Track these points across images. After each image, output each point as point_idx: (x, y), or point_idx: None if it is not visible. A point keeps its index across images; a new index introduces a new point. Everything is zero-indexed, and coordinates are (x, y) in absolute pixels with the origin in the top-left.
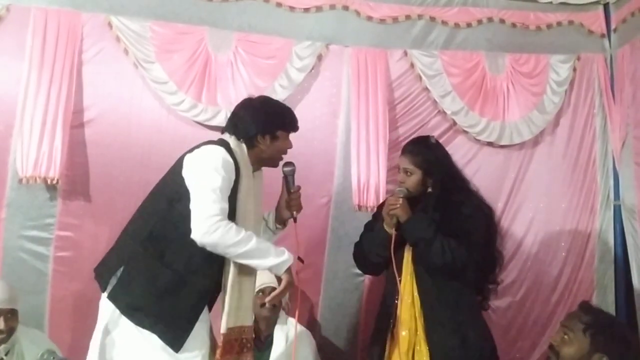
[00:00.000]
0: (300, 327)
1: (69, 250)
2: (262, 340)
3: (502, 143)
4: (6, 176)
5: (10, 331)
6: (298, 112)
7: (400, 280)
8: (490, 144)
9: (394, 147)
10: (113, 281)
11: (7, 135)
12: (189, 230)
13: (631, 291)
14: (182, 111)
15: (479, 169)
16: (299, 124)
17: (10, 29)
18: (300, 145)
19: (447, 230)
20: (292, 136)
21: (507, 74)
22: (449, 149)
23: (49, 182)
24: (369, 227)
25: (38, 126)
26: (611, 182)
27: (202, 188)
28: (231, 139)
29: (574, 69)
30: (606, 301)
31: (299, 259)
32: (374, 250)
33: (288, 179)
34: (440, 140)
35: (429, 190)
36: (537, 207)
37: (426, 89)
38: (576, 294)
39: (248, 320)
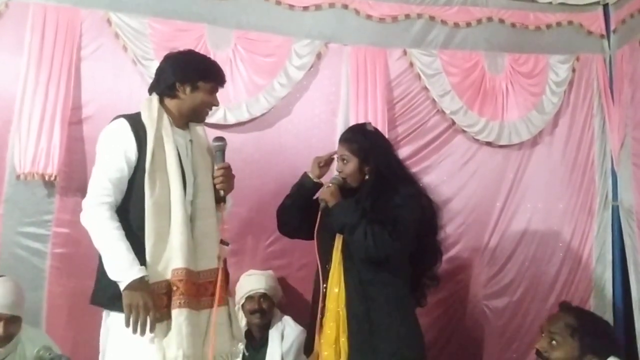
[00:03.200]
0: (296, 325)
1: (66, 247)
2: (257, 339)
3: (501, 143)
4: (4, 172)
5: (8, 337)
6: (297, 111)
7: (328, 269)
8: (489, 143)
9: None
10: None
11: (5, 132)
12: (128, 219)
13: (629, 292)
14: None
15: (478, 169)
16: (299, 121)
17: (9, 24)
18: (299, 143)
19: (376, 218)
20: (292, 135)
21: (506, 74)
22: (448, 148)
23: (46, 178)
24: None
25: (36, 122)
26: (609, 183)
27: None
28: (145, 101)
29: (573, 70)
30: (604, 302)
31: (222, 241)
32: (294, 198)
33: (216, 155)
34: (439, 140)
35: (366, 178)
36: (535, 207)
37: (425, 88)
38: (574, 295)
39: (166, 275)
